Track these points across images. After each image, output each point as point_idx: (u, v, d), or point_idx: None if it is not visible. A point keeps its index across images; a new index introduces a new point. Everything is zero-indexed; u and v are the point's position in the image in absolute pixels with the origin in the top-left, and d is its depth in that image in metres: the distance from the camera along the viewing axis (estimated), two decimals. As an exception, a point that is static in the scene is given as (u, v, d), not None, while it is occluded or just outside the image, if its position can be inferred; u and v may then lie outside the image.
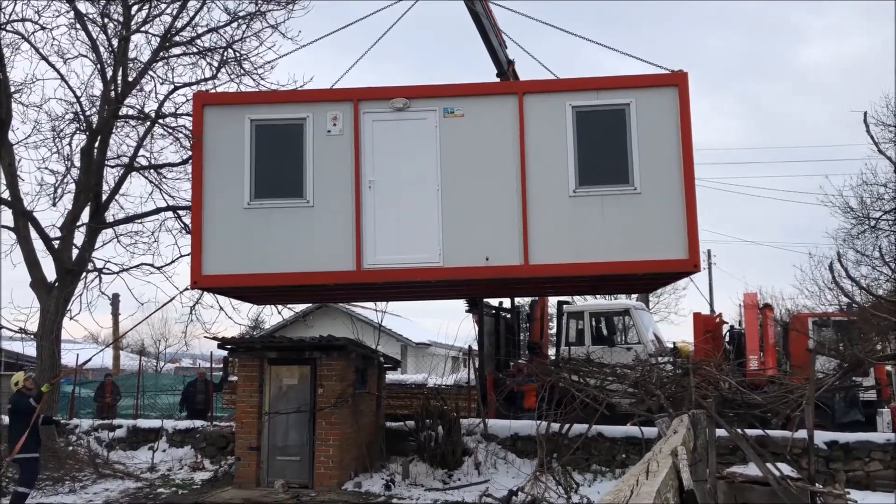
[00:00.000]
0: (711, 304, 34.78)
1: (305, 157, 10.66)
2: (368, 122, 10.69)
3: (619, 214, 10.24)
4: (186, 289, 13.00)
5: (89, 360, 14.02)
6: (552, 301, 19.62)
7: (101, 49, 15.07)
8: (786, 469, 10.14)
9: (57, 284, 15.05)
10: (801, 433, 10.93)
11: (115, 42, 15.07)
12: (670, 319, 45.29)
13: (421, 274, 10.48)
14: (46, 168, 15.41)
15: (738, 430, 10.94)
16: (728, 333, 17.27)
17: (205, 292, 14.18)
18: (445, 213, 10.42)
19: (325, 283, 10.85)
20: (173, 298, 13.90)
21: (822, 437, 12.28)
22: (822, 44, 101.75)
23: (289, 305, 16.79)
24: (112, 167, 15.94)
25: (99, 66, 15.07)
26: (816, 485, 9.83)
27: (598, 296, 26.63)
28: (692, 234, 10.08)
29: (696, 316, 17.36)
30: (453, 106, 10.58)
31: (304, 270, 10.60)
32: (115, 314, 31.83)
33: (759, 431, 11.96)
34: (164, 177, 15.78)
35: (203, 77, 15.30)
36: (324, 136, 10.69)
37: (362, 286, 11.21)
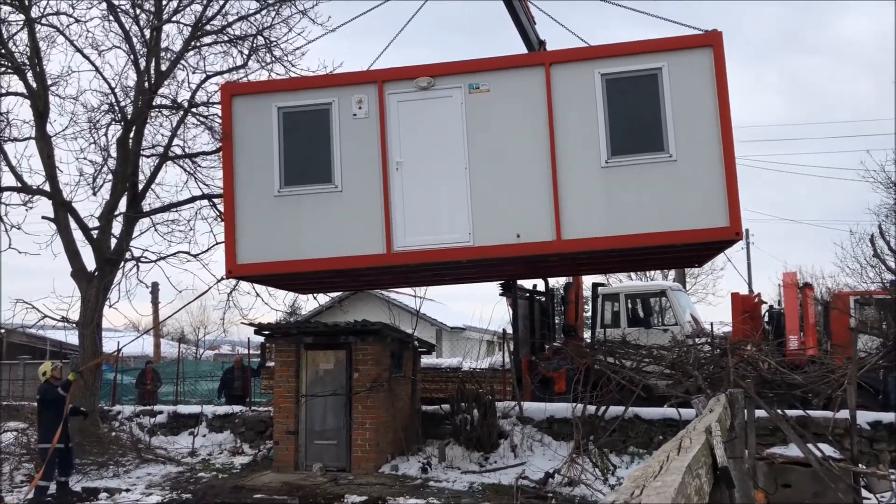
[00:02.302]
0: (750, 284, 34.26)
1: (332, 142, 10.55)
2: (394, 103, 10.51)
3: (655, 183, 9.78)
4: (222, 278, 13.16)
5: (121, 348, 14.25)
6: (587, 283, 19.46)
7: (134, 40, 15.24)
8: (828, 450, 9.96)
9: (97, 273, 15.32)
10: (844, 413, 10.73)
11: (147, 32, 15.24)
12: (708, 300, 44.87)
13: (452, 254, 10.28)
14: (85, 158, 15.68)
15: (779, 411, 10.77)
16: (767, 313, 17.02)
17: (240, 281, 14.30)
18: (474, 192, 10.17)
19: (357, 268, 10.77)
20: (210, 289, 14.12)
21: (864, 417, 12.02)
22: (862, 15, 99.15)
23: (325, 293, 16.78)
24: (147, 157, 16.17)
25: (132, 56, 15.25)
26: (860, 465, 9.65)
27: (634, 276, 26.26)
28: (733, 201, 9.55)
29: (735, 296, 17.10)
30: (478, 81, 10.30)
31: (335, 255, 10.53)
32: (155, 302, 32.41)
33: (799, 412, 11.77)
34: (199, 165, 15.96)
35: (234, 65, 15.43)
36: (350, 120, 10.56)
37: (394, 270, 11.10)
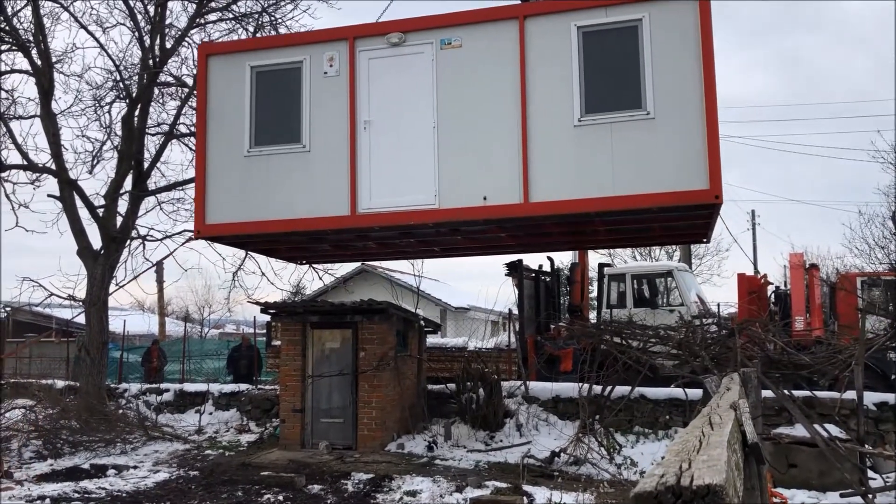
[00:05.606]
0: (756, 265, 34.27)
1: (303, 101, 10.29)
2: (364, 61, 10.17)
3: (630, 143, 9.17)
4: (190, 239, 12.86)
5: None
6: (593, 264, 19.42)
7: (139, 16, 15.16)
8: (834, 430, 9.98)
9: (102, 252, 15.33)
10: (850, 394, 10.73)
11: (151, 9, 15.14)
12: (713, 281, 44.80)
13: (416, 217, 9.87)
14: (84, 136, 15.64)
15: (785, 391, 10.77)
16: (773, 294, 17.00)
17: (211, 242, 13.80)
18: (442, 152, 9.76)
19: (322, 230, 10.46)
20: (176, 249, 14.07)
21: (871, 397, 12.03)
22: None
23: (309, 264, 16.10)
24: (153, 135, 16.13)
25: (137, 33, 15.19)
26: (866, 446, 9.66)
27: (639, 256, 26.18)
28: (713, 162, 8.91)
29: (741, 277, 17.07)
30: (451, 36, 9.87)
31: (300, 217, 10.26)
32: (160, 281, 32.48)
33: (806, 392, 11.78)
34: (204, 144, 15.91)
35: (240, 43, 15.33)
36: (321, 79, 10.27)
37: (371, 234, 10.86)
